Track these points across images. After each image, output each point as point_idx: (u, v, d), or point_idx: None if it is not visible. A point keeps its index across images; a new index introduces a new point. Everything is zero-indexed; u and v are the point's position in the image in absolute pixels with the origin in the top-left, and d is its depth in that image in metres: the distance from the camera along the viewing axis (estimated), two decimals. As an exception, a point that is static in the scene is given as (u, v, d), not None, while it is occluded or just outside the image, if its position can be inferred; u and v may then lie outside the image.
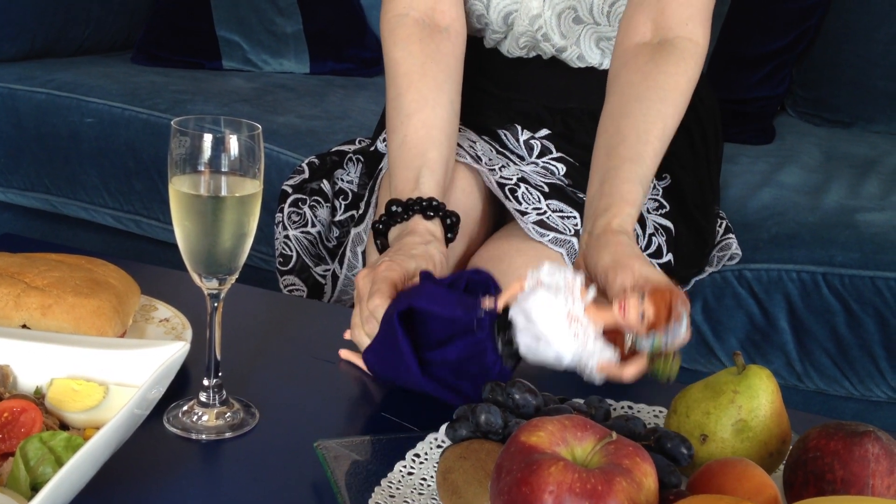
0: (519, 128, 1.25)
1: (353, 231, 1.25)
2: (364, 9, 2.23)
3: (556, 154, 1.24)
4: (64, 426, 0.73)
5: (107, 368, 0.76)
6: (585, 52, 1.23)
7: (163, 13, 2.09)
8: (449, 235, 1.04)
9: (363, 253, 1.24)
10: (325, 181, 1.37)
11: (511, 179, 1.15)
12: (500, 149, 1.24)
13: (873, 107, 1.89)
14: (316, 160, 1.41)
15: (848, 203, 1.48)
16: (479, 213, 1.19)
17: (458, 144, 1.17)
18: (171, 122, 0.76)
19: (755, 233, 1.42)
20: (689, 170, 1.30)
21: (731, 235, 1.41)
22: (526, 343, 0.80)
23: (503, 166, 1.18)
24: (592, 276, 0.93)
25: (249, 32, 2.09)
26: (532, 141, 1.25)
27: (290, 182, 1.38)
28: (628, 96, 1.07)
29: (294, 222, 1.34)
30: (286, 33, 2.10)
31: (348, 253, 1.26)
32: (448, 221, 1.04)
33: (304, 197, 1.35)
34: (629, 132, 1.04)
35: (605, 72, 1.18)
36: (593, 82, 1.24)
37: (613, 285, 0.88)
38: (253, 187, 0.77)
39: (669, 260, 1.23)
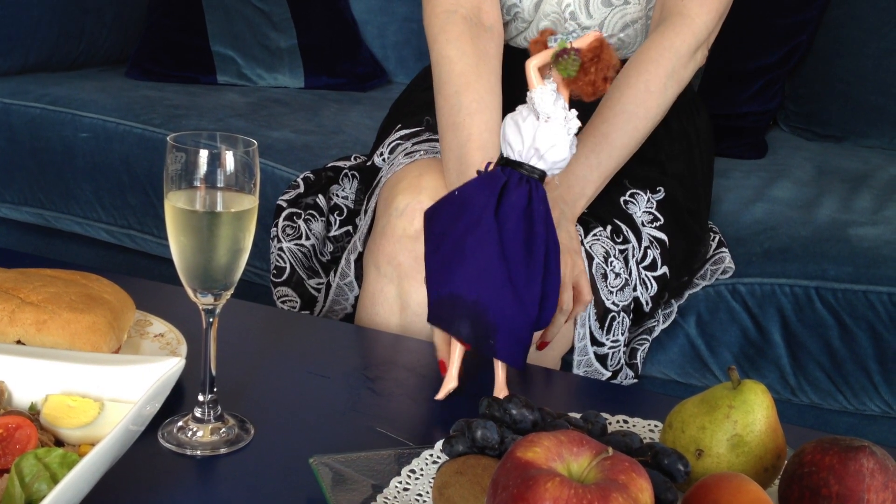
0: None
1: (352, 240, 1.26)
2: (358, 24, 2.24)
3: None
4: (59, 442, 0.73)
5: (102, 384, 0.76)
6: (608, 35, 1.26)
7: (157, 28, 2.10)
8: None
9: (356, 261, 1.24)
10: (320, 196, 1.38)
11: None
12: None
13: (865, 121, 1.90)
14: (311, 175, 1.42)
15: (840, 217, 1.48)
16: None
17: None
18: (167, 138, 0.77)
19: (748, 247, 1.43)
20: (682, 177, 1.31)
21: (724, 249, 1.41)
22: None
23: None
24: None
25: (244, 47, 2.09)
26: None
27: (286, 197, 1.38)
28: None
29: (288, 235, 1.34)
30: (280, 48, 2.11)
31: (342, 261, 1.26)
32: None
33: (299, 211, 1.36)
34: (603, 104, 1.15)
35: (624, 61, 1.19)
36: None
37: None
38: (249, 203, 0.77)
39: (664, 273, 1.23)
